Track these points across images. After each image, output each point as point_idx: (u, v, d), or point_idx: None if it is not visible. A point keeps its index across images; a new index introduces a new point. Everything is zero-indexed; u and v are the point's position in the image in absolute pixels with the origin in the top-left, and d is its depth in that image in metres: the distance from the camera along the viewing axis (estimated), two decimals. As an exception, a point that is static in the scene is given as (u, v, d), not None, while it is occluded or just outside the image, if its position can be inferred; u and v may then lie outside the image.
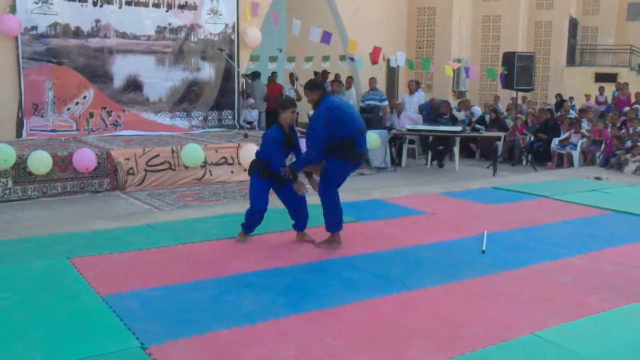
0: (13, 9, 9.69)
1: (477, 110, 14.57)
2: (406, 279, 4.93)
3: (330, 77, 13.67)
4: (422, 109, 12.85)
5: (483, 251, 5.72)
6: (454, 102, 16.08)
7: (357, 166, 6.05)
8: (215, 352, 3.60)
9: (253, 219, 5.89)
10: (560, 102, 16.18)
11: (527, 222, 6.92)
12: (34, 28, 10.00)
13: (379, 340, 3.80)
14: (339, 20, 14.27)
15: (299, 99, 13.14)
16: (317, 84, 5.85)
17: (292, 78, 13.11)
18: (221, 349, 3.65)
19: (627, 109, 14.10)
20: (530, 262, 5.43)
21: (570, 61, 22.57)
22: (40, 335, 3.77)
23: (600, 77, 20.61)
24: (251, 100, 12.64)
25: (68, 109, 10.38)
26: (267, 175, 5.75)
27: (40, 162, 7.93)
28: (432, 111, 12.59)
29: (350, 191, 8.82)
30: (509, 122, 13.42)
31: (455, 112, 13.76)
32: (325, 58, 13.14)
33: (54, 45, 10.20)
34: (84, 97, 10.53)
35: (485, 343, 3.74)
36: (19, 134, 9.84)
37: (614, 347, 3.75)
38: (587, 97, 17.25)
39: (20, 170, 7.95)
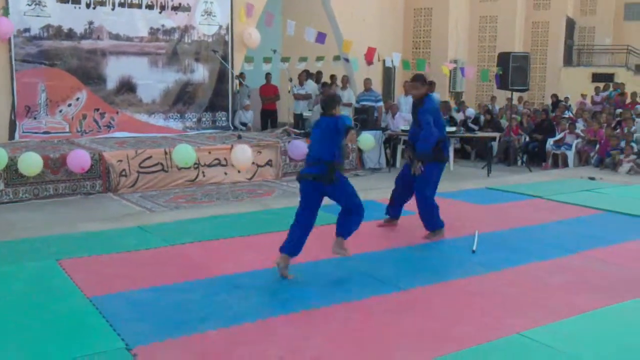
0: (6, 11, 9.67)
1: (471, 111, 14.55)
2: (396, 279, 4.92)
3: (325, 78, 13.65)
4: None
5: (474, 251, 5.71)
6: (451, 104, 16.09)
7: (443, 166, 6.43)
8: (200, 353, 3.58)
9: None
10: (556, 102, 16.17)
11: (519, 222, 6.90)
12: (27, 30, 9.99)
13: (366, 340, 3.78)
14: (333, 20, 14.26)
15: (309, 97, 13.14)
16: (427, 80, 6.34)
17: (302, 77, 13.05)
18: (206, 350, 3.63)
19: (619, 111, 14.08)
20: (520, 262, 5.41)
21: (568, 61, 22.58)
22: (26, 337, 3.77)
23: (597, 77, 20.63)
24: (246, 102, 12.63)
25: (61, 111, 10.37)
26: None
27: (31, 163, 7.89)
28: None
29: (344, 192, 8.81)
30: (504, 123, 13.41)
31: (454, 113, 13.78)
32: (320, 58, 13.10)
33: (47, 47, 10.19)
34: (77, 99, 10.52)
35: (472, 343, 3.73)
36: (11, 137, 9.83)
37: (602, 346, 3.73)
38: (584, 96, 17.25)
39: (11, 173, 7.93)
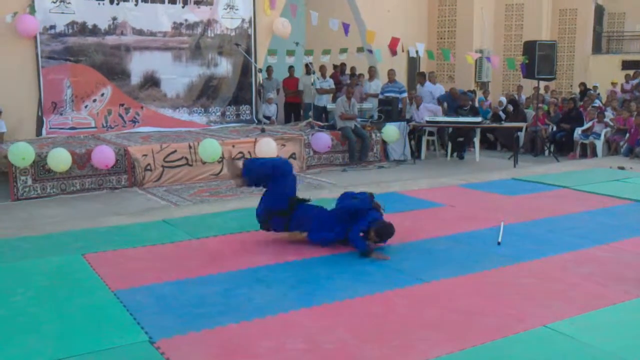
0: (32, 9, 9.80)
1: (504, 100, 14.40)
2: (420, 272, 4.87)
3: (348, 70, 13.61)
4: (441, 100, 12.72)
5: (499, 243, 5.62)
6: (478, 93, 15.96)
7: None
8: (222, 346, 3.58)
9: None
10: (584, 91, 15.89)
11: (545, 213, 6.79)
12: (52, 27, 10.12)
13: (390, 333, 3.75)
14: (356, 11, 14.17)
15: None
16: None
17: (324, 71, 13.02)
18: (229, 343, 3.63)
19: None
20: (547, 253, 5.32)
21: (596, 49, 22.12)
22: (51, 330, 3.80)
23: (627, 65, 20.18)
24: (269, 95, 12.64)
25: (86, 107, 10.49)
26: None
27: (61, 159, 8.02)
28: (452, 101, 12.42)
29: (368, 184, 8.77)
30: (529, 112, 13.23)
31: (482, 104, 13.72)
32: (343, 50, 13.05)
33: (72, 44, 10.32)
34: (102, 95, 10.63)
35: (496, 335, 3.67)
36: (38, 133, 9.98)
37: (628, 338, 3.65)
38: (614, 84, 16.91)
39: (39, 168, 8.05)
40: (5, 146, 8.50)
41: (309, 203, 5.72)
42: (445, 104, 12.63)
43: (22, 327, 3.82)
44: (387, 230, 5.41)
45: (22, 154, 7.82)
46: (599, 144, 11.93)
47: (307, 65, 12.90)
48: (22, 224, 6.62)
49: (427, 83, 12.83)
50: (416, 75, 13.34)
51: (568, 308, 4.08)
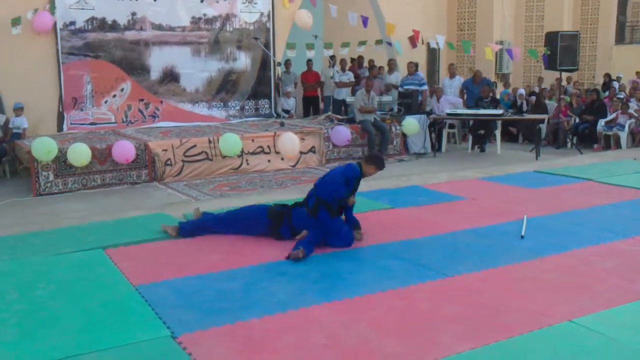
0: (52, 6, 9.86)
1: (523, 92, 14.24)
2: (442, 266, 4.82)
3: (366, 63, 13.53)
4: (464, 86, 12.56)
5: (522, 236, 5.55)
6: (499, 86, 15.79)
7: None
8: (244, 341, 3.57)
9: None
10: (609, 82, 15.64)
11: (569, 206, 6.69)
12: (72, 23, 10.18)
13: (412, 328, 3.71)
14: (375, 4, 14.07)
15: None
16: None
17: (344, 64, 12.98)
18: (251, 338, 3.62)
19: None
20: (571, 247, 5.24)
21: (620, 39, 21.74)
22: (74, 324, 3.81)
23: (652, 55, 19.82)
24: (287, 89, 12.61)
25: (106, 102, 10.55)
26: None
27: (80, 154, 8.06)
28: (474, 86, 12.22)
29: (389, 178, 8.72)
30: (551, 104, 13.06)
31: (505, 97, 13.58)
32: (362, 43, 12.98)
33: (91, 40, 10.38)
34: (122, 90, 10.69)
35: (521, 330, 3.62)
36: (59, 128, 10.05)
37: (658, 334, 3.57)
38: (638, 74, 16.61)
39: (60, 164, 8.10)
40: (27, 142, 8.57)
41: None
42: (466, 91, 12.45)
43: (44, 322, 3.84)
44: (380, 156, 5.77)
45: (46, 147, 7.87)
46: (623, 136, 11.74)
47: (330, 58, 12.88)
48: (44, 218, 6.66)
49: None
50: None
51: (594, 303, 4.01)
